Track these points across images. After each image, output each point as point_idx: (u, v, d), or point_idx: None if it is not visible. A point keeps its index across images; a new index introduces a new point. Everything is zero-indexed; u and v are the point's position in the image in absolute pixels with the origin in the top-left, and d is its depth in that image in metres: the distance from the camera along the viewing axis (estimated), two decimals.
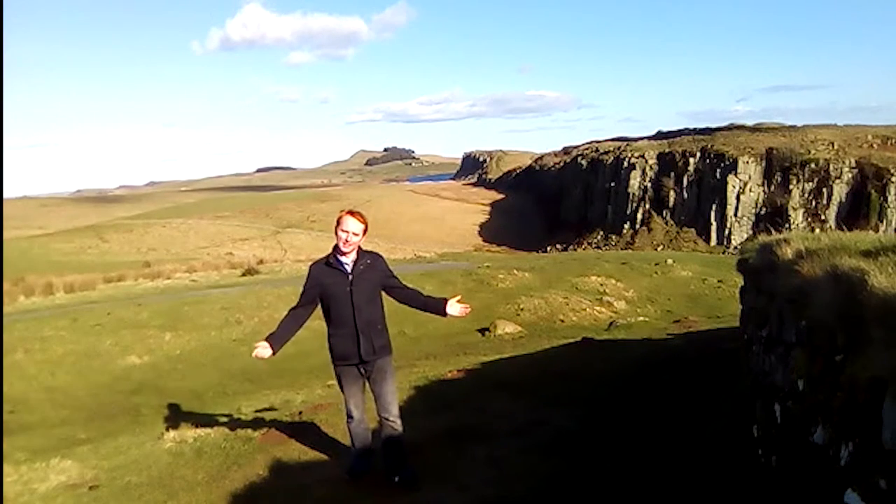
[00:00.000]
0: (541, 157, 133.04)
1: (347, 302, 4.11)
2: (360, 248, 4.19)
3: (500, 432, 5.40)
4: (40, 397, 10.57)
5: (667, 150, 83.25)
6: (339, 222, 4.08)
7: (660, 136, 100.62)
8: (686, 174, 78.55)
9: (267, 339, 4.20)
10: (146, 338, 13.76)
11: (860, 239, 3.17)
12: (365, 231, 4.13)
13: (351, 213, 4.12)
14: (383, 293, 4.31)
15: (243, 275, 25.85)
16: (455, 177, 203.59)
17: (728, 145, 77.11)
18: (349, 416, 4.43)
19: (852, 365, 2.03)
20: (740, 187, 72.51)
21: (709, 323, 13.63)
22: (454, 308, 4.25)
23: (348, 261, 4.14)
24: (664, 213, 79.65)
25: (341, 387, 4.40)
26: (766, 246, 4.42)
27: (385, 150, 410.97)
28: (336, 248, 4.14)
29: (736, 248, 57.97)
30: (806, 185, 68.91)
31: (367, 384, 4.38)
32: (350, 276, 4.12)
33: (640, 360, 8.24)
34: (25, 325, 14.49)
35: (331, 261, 4.16)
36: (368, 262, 4.21)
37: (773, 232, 5.21)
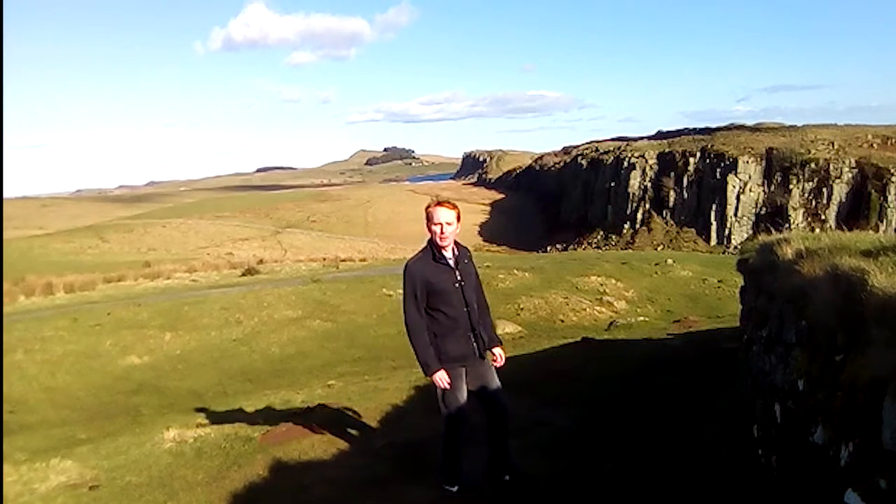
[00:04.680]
0: (541, 157, 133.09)
1: (459, 298, 3.84)
2: (455, 240, 3.92)
3: None
4: (40, 397, 10.56)
5: (667, 150, 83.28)
6: (429, 217, 3.80)
7: (660, 135, 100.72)
8: (686, 174, 78.56)
9: (437, 369, 3.79)
10: (146, 338, 13.75)
11: (860, 239, 3.17)
12: (458, 218, 3.83)
13: (440, 203, 3.82)
14: None
15: (243, 275, 25.86)
16: (455, 177, 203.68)
17: (728, 145, 77.14)
18: (463, 422, 3.94)
19: (852, 365, 2.03)
20: (740, 187, 72.53)
21: (709, 323, 13.61)
22: (497, 354, 4.13)
23: (450, 254, 3.87)
24: (664, 212, 79.66)
25: (448, 393, 3.87)
26: (766, 246, 4.42)
27: (385, 149, 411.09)
28: (432, 242, 3.83)
29: (736, 247, 57.96)
30: (806, 184, 68.94)
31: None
32: (457, 272, 3.86)
33: (640, 360, 8.23)
34: (25, 325, 14.48)
35: (436, 256, 3.84)
36: (469, 255, 4.02)
37: (773, 232, 5.21)
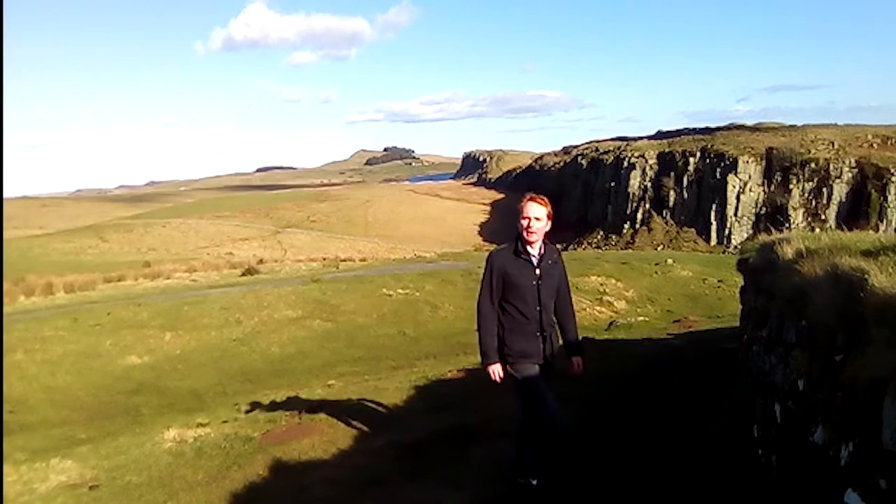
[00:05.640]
0: (541, 157, 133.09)
1: (534, 296, 3.79)
2: (546, 238, 3.87)
3: (500, 432, 5.39)
4: (40, 397, 10.57)
5: (667, 150, 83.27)
6: (519, 210, 3.78)
7: (660, 135, 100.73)
8: (686, 174, 78.55)
9: (493, 361, 3.79)
10: (146, 338, 13.76)
11: (860, 239, 3.17)
12: (549, 216, 3.80)
13: (532, 198, 3.80)
14: None
15: (243, 275, 25.86)
16: (455, 176, 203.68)
17: (728, 145, 77.13)
18: (549, 412, 3.81)
19: (852, 365, 2.03)
20: (740, 187, 72.52)
21: (709, 323, 13.63)
22: (575, 362, 4.10)
23: (535, 252, 3.81)
24: (664, 212, 79.65)
25: (525, 385, 3.83)
26: (766, 245, 4.42)
27: (385, 149, 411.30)
28: (519, 236, 3.79)
29: (736, 247, 57.95)
30: (806, 184, 68.93)
31: None
32: (538, 270, 3.80)
33: (640, 360, 8.24)
34: (25, 325, 14.48)
35: (519, 249, 3.79)
36: (555, 257, 3.94)
37: (773, 232, 5.21)
